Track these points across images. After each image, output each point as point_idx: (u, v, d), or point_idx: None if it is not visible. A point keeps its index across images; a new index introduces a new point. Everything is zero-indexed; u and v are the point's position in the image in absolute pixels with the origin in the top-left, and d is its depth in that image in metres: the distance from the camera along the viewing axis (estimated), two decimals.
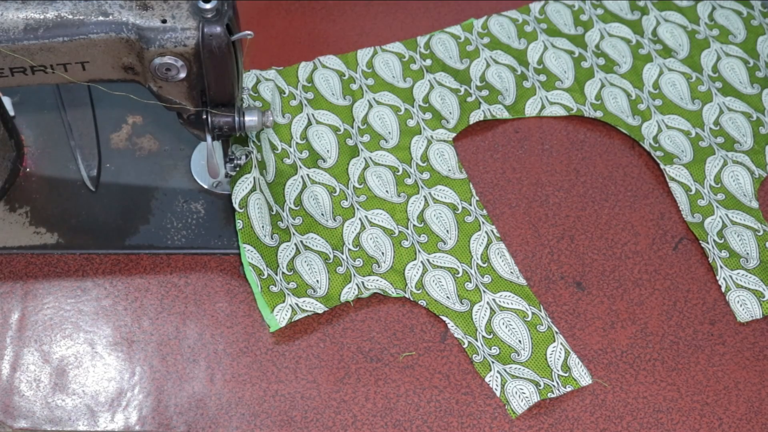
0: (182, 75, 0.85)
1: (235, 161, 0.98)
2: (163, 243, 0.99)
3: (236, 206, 0.97)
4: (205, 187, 1.03)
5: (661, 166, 1.05)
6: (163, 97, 0.88)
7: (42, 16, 0.82)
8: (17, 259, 0.99)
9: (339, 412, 0.92)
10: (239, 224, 0.97)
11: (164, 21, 0.82)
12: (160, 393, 0.92)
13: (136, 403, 0.92)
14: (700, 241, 1.00)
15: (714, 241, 1.00)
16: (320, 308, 0.95)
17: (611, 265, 1.00)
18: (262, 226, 0.97)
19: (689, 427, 0.92)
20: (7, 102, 1.05)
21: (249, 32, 0.84)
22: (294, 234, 0.99)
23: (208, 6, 0.81)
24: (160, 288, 0.98)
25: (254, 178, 0.98)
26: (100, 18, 0.83)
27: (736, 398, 0.93)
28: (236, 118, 0.90)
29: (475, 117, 1.08)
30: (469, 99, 1.09)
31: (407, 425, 0.91)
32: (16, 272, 0.98)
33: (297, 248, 0.98)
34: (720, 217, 1.02)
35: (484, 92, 1.10)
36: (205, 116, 0.90)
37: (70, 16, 0.82)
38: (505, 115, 1.09)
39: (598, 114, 1.09)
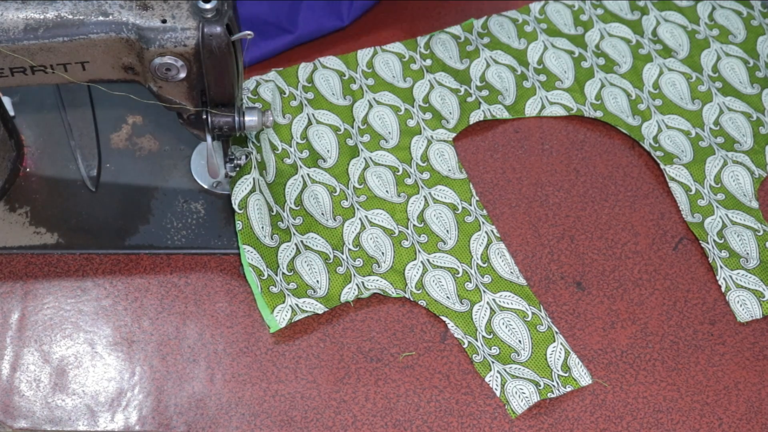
0: (182, 75, 0.85)
1: (235, 161, 0.98)
2: (163, 243, 0.99)
3: (236, 207, 0.97)
4: (205, 187, 1.03)
5: (661, 166, 1.05)
6: (163, 97, 0.88)
7: (42, 16, 0.82)
8: (17, 259, 0.99)
9: (339, 412, 0.92)
10: (239, 225, 0.97)
11: (164, 21, 0.82)
12: (160, 393, 0.92)
13: (136, 403, 0.92)
14: (700, 241, 1.01)
15: (714, 241, 1.00)
16: (320, 308, 0.95)
17: (611, 265, 1.00)
18: (262, 227, 0.97)
19: (689, 427, 0.92)
20: (7, 102, 1.06)
21: (249, 32, 0.84)
22: (294, 234, 0.99)
23: (208, 6, 0.81)
24: (160, 288, 0.98)
25: (254, 178, 0.98)
26: (100, 18, 0.83)
27: (736, 398, 0.93)
28: (236, 118, 0.90)
29: (475, 117, 1.08)
30: (469, 99, 1.09)
31: (407, 425, 0.91)
32: (16, 272, 0.98)
33: (297, 248, 0.98)
34: (720, 217, 1.02)
35: (484, 92, 1.10)
36: (205, 116, 0.90)
37: (70, 16, 0.82)
38: (505, 115, 1.09)
39: (598, 114, 1.09)
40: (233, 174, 0.98)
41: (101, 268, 0.99)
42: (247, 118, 0.91)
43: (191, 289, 0.98)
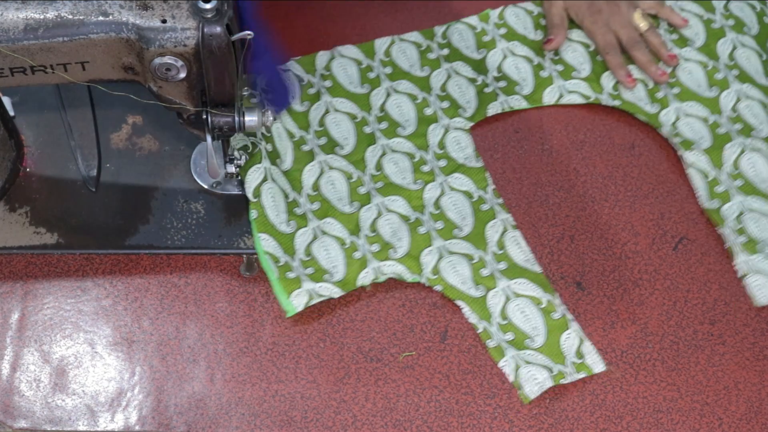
0: (182, 75, 0.85)
1: (235, 161, 0.98)
2: (163, 243, 0.99)
3: (250, 196, 0.98)
4: (205, 187, 1.03)
5: (679, 152, 1.06)
6: (163, 97, 0.88)
7: (42, 16, 0.82)
8: (17, 259, 0.99)
9: (339, 412, 0.92)
10: (253, 214, 0.98)
11: (164, 21, 0.82)
12: (160, 393, 0.92)
13: (136, 403, 0.92)
14: (716, 227, 1.01)
15: (731, 226, 1.01)
16: (337, 292, 0.95)
17: (611, 265, 1.00)
18: (277, 214, 0.98)
19: (689, 427, 0.92)
20: (7, 102, 1.05)
21: (249, 32, 0.84)
22: (311, 219, 1.00)
23: (208, 6, 0.81)
24: (160, 288, 0.98)
25: (265, 167, 0.99)
26: (100, 18, 0.83)
27: (736, 398, 0.93)
28: (236, 118, 0.90)
29: (493, 109, 1.09)
30: (486, 89, 1.10)
31: (407, 425, 0.91)
32: (16, 272, 0.98)
33: (314, 233, 0.99)
34: (738, 203, 1.03)
35: (502, 83, 1.11)
36: (205, 116, 0.90)
37: (70, 16, 0.82)
38: (524, 105, 1.09)
39: (616, 103, 1.10)
40: (233, 171, 0.98)
41: (101, 268, 0.99)
42: (247, 118, 0.91)
43: (191, 289, 0.98)
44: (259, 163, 1.00)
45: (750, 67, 1.12)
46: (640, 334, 0.97)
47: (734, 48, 1.13)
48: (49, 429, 0.91)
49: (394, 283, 0.98)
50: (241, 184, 1.01)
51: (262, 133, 1.03)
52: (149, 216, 1.01)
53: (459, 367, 0.94)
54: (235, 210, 1.01)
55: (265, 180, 0.99)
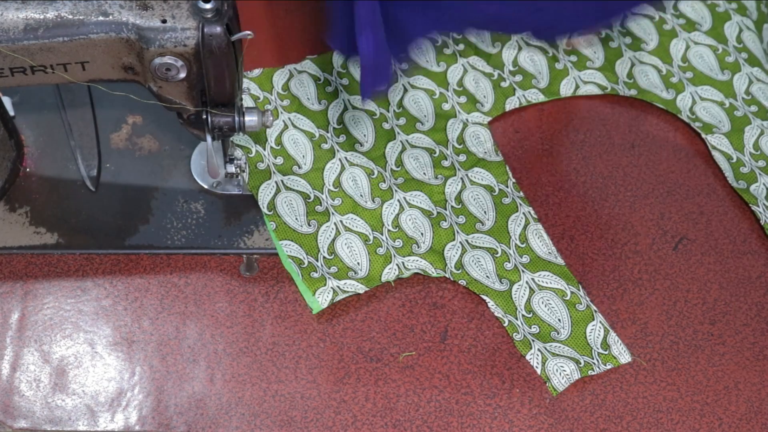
0: (182, 75, 0.85)
1: (236, 161, 0.98)
2: (163, 243, 0.99)
3: (265, 210, 0.99)
4: (205, 187, 1.03)
5: (703, 136, 1.08)
6: (163, 97, 0.88)
7: (42, 16, 0.82)
8: (17, 259, 0.99)
9: (339, 412, 0.92)
10: (272, 225, 0.98)
11: (164, 21, 0.82)
12: (160, 393, 0.92)
13: (136, 403, 0.92)
14: (750, 205, 1.03)
15: (765, 203, 1.03)
16: (361, 288, 0.96)
17: (611, 265, 1.00)
18: (296, 218, 0.99)
19: (689, 427, 0.92)
20: (7, 102, 1.05)
21: (249, 32, 0.84)
22: (333, 213, 1.00)
23: (208, 6, 0.81)
24: (160, 288, 0.98)
25: (275, 182, 1.00)
26: (100, 18, 0.83)
27: (736, 398, 0.93)
28: (236, 118, 0.90)
29: (511, 104, 1.09)
30: (503, 84, 1.10)
31: (407, 425, 0.91)
32: (16, 272, 0.98)
33: (337, 228, 0.99)
34: (763, 183, 1.04)
35: (518, 77, 1.11)
36: (205, 116, 0.90)
37: (70, 16, 0.83)
38: (541, 98, 1.10)
39: (633, 92, 1.11)
40: (233, 171, 0.98)
41: (101, 268, 0.99)
42: (247, 118, 0.91)
43: (191, 289, 0.98)
44: (269, 179, 1.01)
45: (757, 50, 1.14)
46: (640, 334, 0.97)
47: (740, 30, 1.15)
48: (49, 429, 0.91)
49: (395, 283, 0.98)
50: (240, 182, 1.02)
51: (272, 147, 1.03)
52: (149, 216, 1.01)
53: (459, 367, 0.94)
54: (235, 210, 1.01)
55: (278, 192, 1.00)
